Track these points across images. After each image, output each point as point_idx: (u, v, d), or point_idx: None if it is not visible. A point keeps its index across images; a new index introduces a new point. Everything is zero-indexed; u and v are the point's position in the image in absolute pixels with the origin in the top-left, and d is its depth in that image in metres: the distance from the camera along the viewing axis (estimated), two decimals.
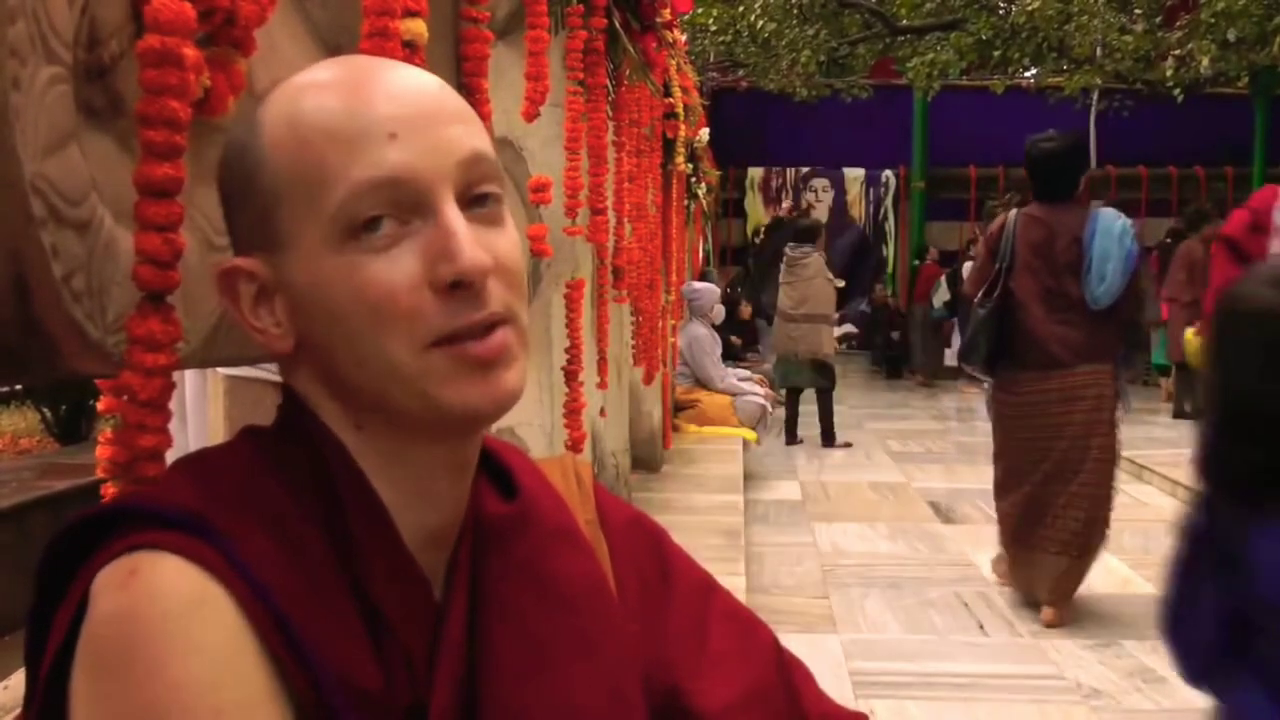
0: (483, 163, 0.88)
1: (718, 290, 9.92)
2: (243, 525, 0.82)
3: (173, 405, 1.03)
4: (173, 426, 1.04)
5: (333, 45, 1.45)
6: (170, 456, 1.03)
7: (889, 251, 18.52)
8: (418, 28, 1.38)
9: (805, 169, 18.34)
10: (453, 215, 0.85)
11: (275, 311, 0.88)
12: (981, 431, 8.15)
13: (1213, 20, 11.85)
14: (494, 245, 0.87)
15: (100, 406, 1.21)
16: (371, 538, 0.88)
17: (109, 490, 1.09)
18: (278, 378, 2.29)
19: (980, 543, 5.40)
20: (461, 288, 0.84)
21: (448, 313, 0.84)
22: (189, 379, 2.44)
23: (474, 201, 0.87)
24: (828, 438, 10.16)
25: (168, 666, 0.75)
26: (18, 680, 2.55)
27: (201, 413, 2.48)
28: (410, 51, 1.37)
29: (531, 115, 2.05)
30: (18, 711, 0.84)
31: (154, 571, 0.77)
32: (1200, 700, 1.86)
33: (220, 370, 2.26)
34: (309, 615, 0.82)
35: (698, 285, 9.50)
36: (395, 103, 0.86)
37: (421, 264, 0.84)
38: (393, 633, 0.87)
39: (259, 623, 0.79)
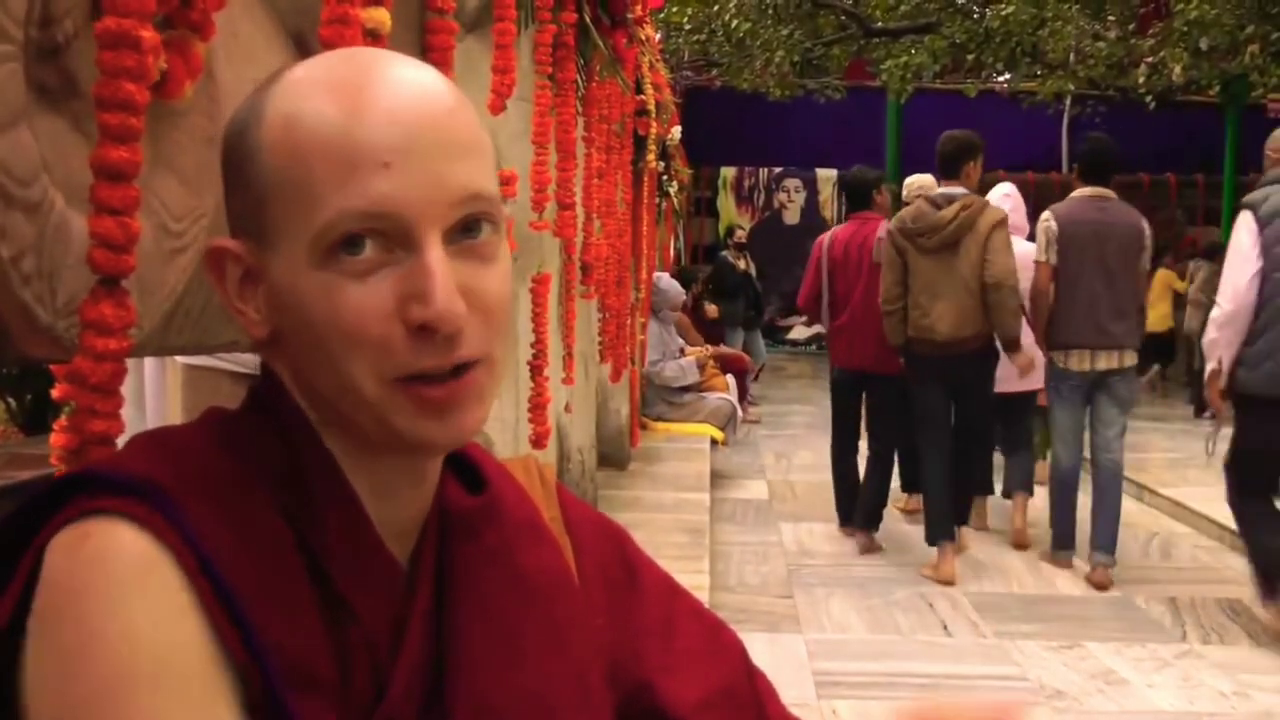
0: (479, 202, 0.85)
1: (683, 292, 9.71)
2: (195, 498, 0.81)
3: (129, 393, 1.02)
4: (130, 414, 1.03)
5: (294, 31, 1.43)
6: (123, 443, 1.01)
7: None
8: (380, 15, 1.36)
9: (778, 169, 18.37)
10: (434, 256, 0.82)
11: (257, 298, 0.88)
12: None
13: (1185, 29, 11.87)
14: (480, 283, 0.85)
15: (55, 393, 1.19)
16: (339, 521, 0.88)
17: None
18: (237, 368, 2.27)
19: None
20: (430, 332, 0.82)
21: (415, 351, 0.83)
22: (148, 367, 2.42)
23: (464, 231, 0.85)
24: None
25: (108, 633, 0.75)
26: None
27: (160, 401, 2.46)
28: (372, 40, 1.35)
29: (498, 109, 2.04)
30: None
31: (105, 537, 0.77)
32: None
33: (179, 360, 2.25)
34: (257, 595, 0.81)
35: (664, 282, 9.19)
36: (396, 127, 0.82)
37: (395, 298, 0.82)
38: (356, 620, 0.86)
39: (204, 596, 0.78)
